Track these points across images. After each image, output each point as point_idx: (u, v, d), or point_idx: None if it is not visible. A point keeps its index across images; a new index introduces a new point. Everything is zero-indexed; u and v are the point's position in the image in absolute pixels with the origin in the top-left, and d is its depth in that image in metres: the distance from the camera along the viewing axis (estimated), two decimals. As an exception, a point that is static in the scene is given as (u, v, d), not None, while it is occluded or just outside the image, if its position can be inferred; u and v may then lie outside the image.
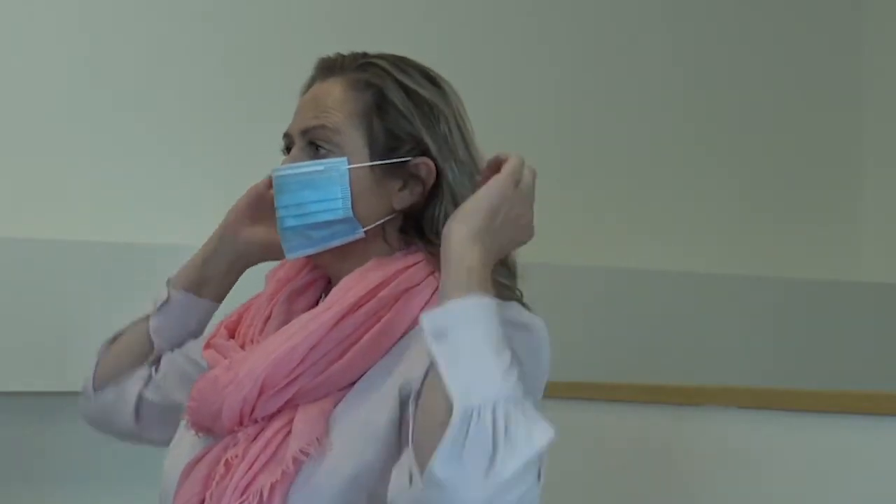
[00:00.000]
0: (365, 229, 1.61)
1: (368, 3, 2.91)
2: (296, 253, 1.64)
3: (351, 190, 1.60)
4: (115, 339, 1.86)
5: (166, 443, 1.78)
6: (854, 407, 2.11)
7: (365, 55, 1.67)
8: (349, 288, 1.58)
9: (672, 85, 3.37)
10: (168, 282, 1.84)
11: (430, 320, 1.40)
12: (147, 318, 1.83)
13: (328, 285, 1.69)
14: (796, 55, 3.58)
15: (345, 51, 1.69)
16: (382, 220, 1.62)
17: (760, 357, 3.32)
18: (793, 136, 3.57)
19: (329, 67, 1.67)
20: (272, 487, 1.49)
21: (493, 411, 1.33)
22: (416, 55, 1.70)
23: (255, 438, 1.54)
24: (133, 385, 1.85)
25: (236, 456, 1.54)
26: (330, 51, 1.70)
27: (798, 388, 2.72)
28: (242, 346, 1.64)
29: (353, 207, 1.60)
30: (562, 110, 3.20)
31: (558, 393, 2.53)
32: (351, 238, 1.61)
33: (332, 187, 1.59)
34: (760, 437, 2.25)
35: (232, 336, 1.68)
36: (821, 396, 2.22)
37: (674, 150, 3.37)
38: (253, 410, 1.55)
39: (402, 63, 1.66)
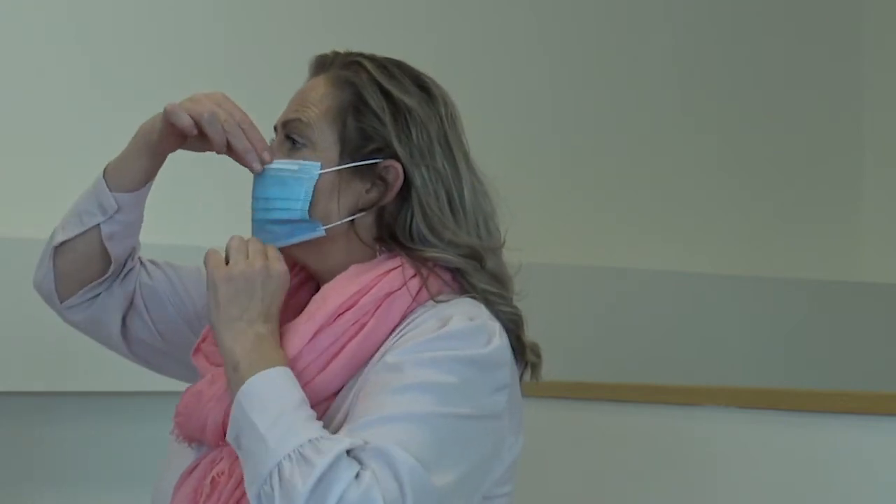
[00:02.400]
0: (326, 227, 1.61)
1: (373, 5, 2.91)
2: None
3: (316, 188, 1.60)
4: (61, 244, 1.72)
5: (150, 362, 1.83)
6: (854, 407, 2.11)
7: (358, 55, 1.67)
8: (327, 297, 1.58)
9: (672, 85, 3.37)
10: (104, 184, 1.69)
11: (229, 436, 1.49)
12: (96, 227, 1.70)
13: (318, 284, 1.69)
14: (797, 56, 3.59)
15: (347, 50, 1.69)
16: (346, 220, 1.61)
17: (760, 357, 3.32)
18: (793, 136, 3.57)
19: (321, 64, 1.68)
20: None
21: (270, 479, 1.42)
22: (415, 57, 1.70)
23: None
24: (113, 313, 1.78)
25: (222, 473, 1.54)
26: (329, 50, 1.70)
27: (798, 388, 2.73)
28: None
29: (314, 208, 1.60)
30: (562, 111, 3.20)
31: (559, 393, 2.54)
32: (311, 236, 1.61)
33: (298, 188, 1.60)
34: (760, 437, 2.25)
35: None
36: (821, 396, 2.22)
37: (674, 150, 3.37)
38: None
39: (390, 65, 1.66)
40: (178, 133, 1.64)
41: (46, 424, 2.49)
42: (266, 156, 1.62)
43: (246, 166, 1.64)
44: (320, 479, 1.38)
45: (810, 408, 2.19)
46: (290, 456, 1.41)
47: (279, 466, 1.40)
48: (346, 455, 1.40)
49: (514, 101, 3.10)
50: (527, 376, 1.64)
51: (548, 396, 2.50)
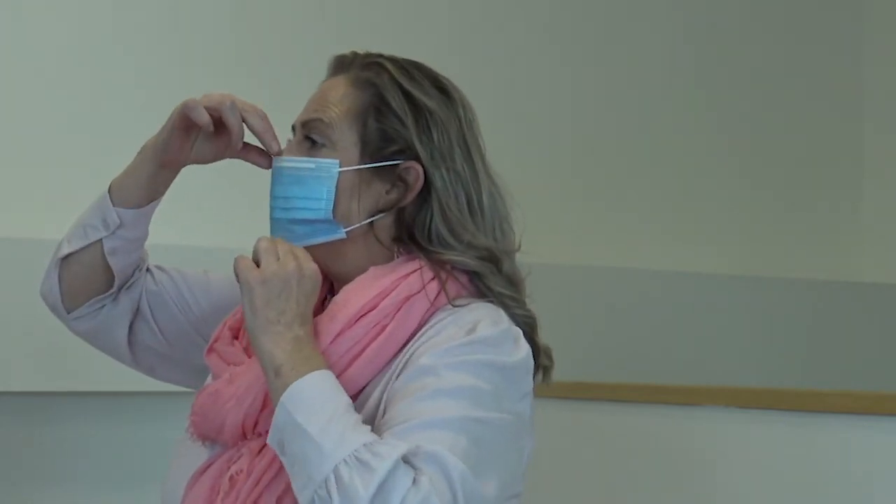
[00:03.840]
0: (347, 230, 1.61)
1: (381, 6, 2.91)
2: None
3: (337, 188, 1.60)
4: (66, 257, 1.72)
5: (155, 371, 1.83)
6: (854, 407, 2.11)
7: (377, 55, 1.67)
8: (348, 299, 1.58)
9: (673, 86, 3.37)
10: (108, 199, 1.69)
11: (270, 439, 1.47)
12: (99, 241, 1.70)
13: (333, 284, 1.69)
14: (798, 57, 3.58)
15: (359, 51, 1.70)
16: (366, 221, 1.62)
17: (760, 357, 3.32)
18: (793, 136, 3.57)
19: (340, 64, 1.68)
20: (278, 502, 1.50)
21: (326, 484, 1.40)
22: (423, 54, 1.70)
23: (259, 452, 1.54)
24: (120, 321, 1.78)
25: (241, 471, 1.54)
26: (339, 51, 1.71)
27: (798, 388, 2.73)
28: (247, 349, 1.63)
29: (335, 209, 1.60)
30: (562, 111, 3.19)
31: (559, 393, 2.54)
32: (332, 237, 1.61)
33: (318, 187, 1.60)
34: (760, 437, 2.25)
35: (236, 336, 1.67)
36: (821, 396, 2.22)
37: (674, 150, 3.37)
38: (256, 424, 1.56)
39: (410, 67, 1.66)
40: (188, 130, 1.64)
41: (46, 424, 2.49)
42: (275, 145, 1.63)
43: (262, 154, 1.64)
44: (382, 485, 1.38)
45: (810, 408, 2.19)
46: (346, 461, 1.40)
47: (336, 471, 1.40)
48: (402, 460, 1.40)
49: (514, 101, 3.10)
50: (538, 379, 1.64)
51: (548, 396, 2.49)
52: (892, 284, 3.58)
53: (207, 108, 1.62)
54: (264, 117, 1.64)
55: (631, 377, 2.89)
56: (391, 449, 1.40)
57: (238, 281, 1.54)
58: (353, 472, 1.39)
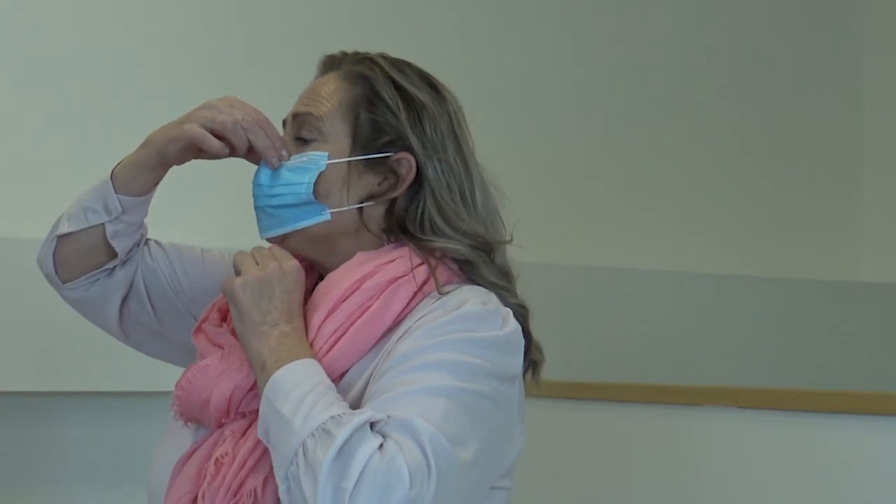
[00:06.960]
0: (331, 211, 1.63)
1: (383, 6, 2.91)
2: (269, 232, 1.67)
3: (328, 180, 1.63)
4: (64, 235, 1.72)
5: (142, 346, 1.84)
6: (854, 407, 2.11)
7: (367, 53, 1.70)
8: (332, 286, 1.60)
9: (673, 86, 3.37)
10: (111, 186, 1.70)
11: (259, 432, 1.50)
12: (100, 225, 1.71)
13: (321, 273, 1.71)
14: (797, 56, 3.59)
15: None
16: (354, 206, 1.63)
17: (760, 357, 3.32)
18: (793, 136, 3.57)
19: (330, 62, 1.71)
20: (265, 484, 1.51)
21: (295, 459, 1.43)
22: (427, 51, 1.72)
23: (243, 434, 1.55)
24: (113, 294, 1.78)
25: (226, 454, 1.55)
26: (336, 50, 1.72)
27: (798, 388, 2.73)
28: (235, 332, 1.63)
29: (317, 193, 1.62)
30: (564, 112, 3.20)
31: (559, 393, 2.54)
32: (317, 220, 1.63)
33: (301, 175, 1.63)
34: (760, 437, 2.25)
35: (224, 319, 1.68)
36: (821, 396, 2.22)
37: (674, 151, 3.37)
38: (241, 402, 1.57)
39: (400, 63, 1.69)
40: (199, 148, 1.66)
41: (46, 424, 2.49)
42: (284, 153, 1.65)
43: (266, 162, 1.66)
44: (341, 450, 1.40)
45: (810, 408, 2.19)
46: (313, 434, 1.42)
47: (303, 445, 1.42)
48: (368, 427, 1.42)
49: (516, 100, 3.10)
50: (528, 378, 1.64)
51: (548, 396, 2.50)
52: (891, 284, 3.58)
53: (215, 132, 1.64)
54: (266, 125, 1.65)
55: (631, 377, 2.90)
56: (354, 416, 1.42)
57: (224, 294, 1.59)
58: (317, 442, 1.41)
